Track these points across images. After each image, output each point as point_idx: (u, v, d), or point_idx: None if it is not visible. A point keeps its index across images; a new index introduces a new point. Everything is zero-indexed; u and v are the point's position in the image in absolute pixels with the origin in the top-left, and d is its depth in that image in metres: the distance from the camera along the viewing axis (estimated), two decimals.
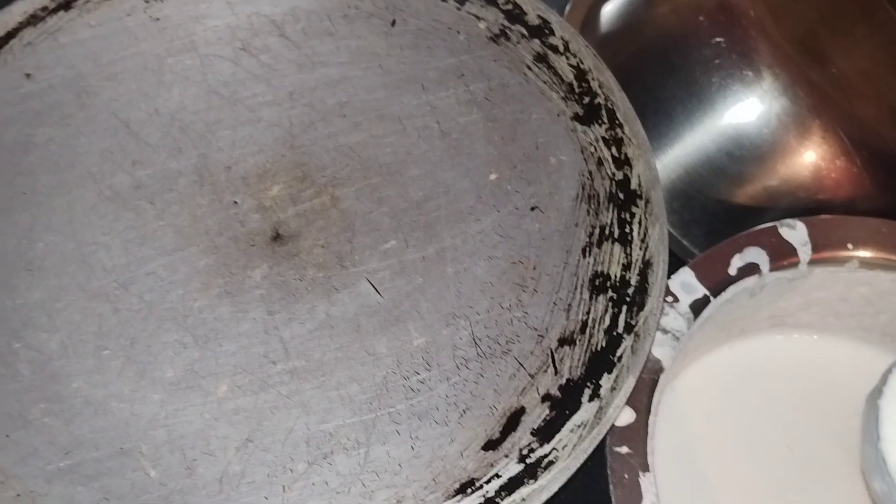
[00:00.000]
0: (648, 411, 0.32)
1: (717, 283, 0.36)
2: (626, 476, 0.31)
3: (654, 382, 0.33)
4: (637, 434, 0.32)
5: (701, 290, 0.35)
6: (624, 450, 0.31)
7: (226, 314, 0.32)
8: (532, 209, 0.34)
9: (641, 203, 0.33)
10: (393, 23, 0.38)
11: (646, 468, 0.31)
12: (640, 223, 0.33)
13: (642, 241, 0.32)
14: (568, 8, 0.45)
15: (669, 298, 0.34)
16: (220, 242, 0.33)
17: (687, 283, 0.35)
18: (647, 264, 0.32)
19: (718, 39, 0.38)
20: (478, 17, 0.38)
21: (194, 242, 0.33)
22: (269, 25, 0.38)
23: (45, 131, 0.35)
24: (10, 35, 0.36)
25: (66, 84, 0.36)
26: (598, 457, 0.30)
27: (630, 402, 0.31)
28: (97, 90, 0.36)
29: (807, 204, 0.39)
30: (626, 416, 0.32)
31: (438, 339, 0.31)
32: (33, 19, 0.37)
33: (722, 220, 0.40)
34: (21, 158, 0.34)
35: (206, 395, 0.30)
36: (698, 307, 0.35)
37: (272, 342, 0.31)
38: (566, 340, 0.31)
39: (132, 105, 0.36)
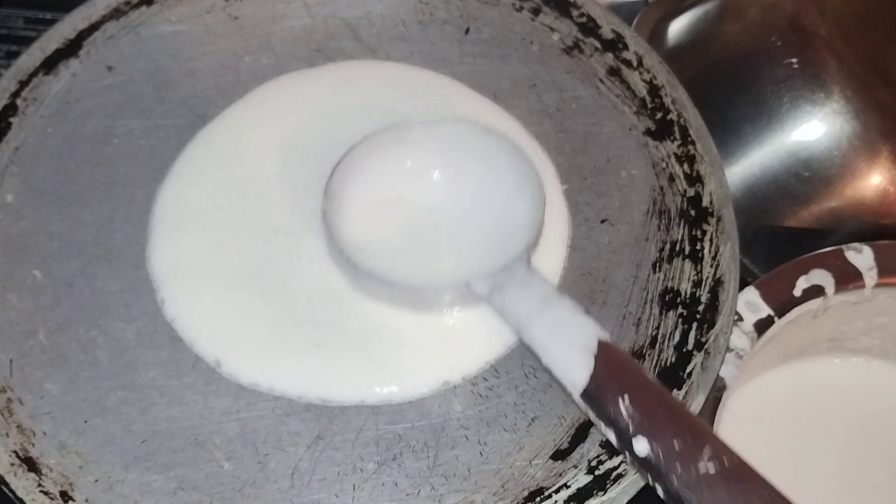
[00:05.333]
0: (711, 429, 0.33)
1: (782, 303, 0.36)
2: None
3: (718, 401, 0.33)
4: None
5: (765, 310, 0.35)
6: None
7: None
8: (602, 221, 0.34)
9: (713, 221, 0.33)
10: (467, 31, 0.38)
11: None
12: (711, 241, 0.33)
13: (713, 258, 0.32)
14: (635, 21, 0.46)
15: (734, 317, 0.34)
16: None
17: (751, 303, 0.35)
18: (717, 282, 0.32)
19: (791, 60, 0.38)
20: (552, 29, 0.38)
21: None
22: (344, 28, 0.38)
23: (124, 123, 0.35)
24: (94, 27, 0.37)
25: (146, 78, 0.36)
26: None
27: None
28: (176, 85, 0.36)
29: (872, 228, 0.39)
30: None
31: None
32: (116, 13, 0.37)
33: (785, 241, 0.40)
34: (101, 149, 0.35)
35: None
36: (762, 327, 0.35)
37: None
38: (635, 355, 0.31)
39: (209, 101, 0.36)
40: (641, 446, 0.25)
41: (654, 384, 0.27)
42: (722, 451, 0.24)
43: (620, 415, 0.26)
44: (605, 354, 0.27)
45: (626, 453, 0.26)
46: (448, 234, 0.33)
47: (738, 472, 0.24)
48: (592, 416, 0.27)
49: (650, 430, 0.25)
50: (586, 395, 0.27)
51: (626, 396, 0.26)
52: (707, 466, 0.24)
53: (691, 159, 0.34)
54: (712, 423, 0.33)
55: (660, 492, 0.25)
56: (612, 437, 0.27)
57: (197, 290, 0.32)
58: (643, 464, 0.25)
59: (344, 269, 0.31)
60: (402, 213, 0.33)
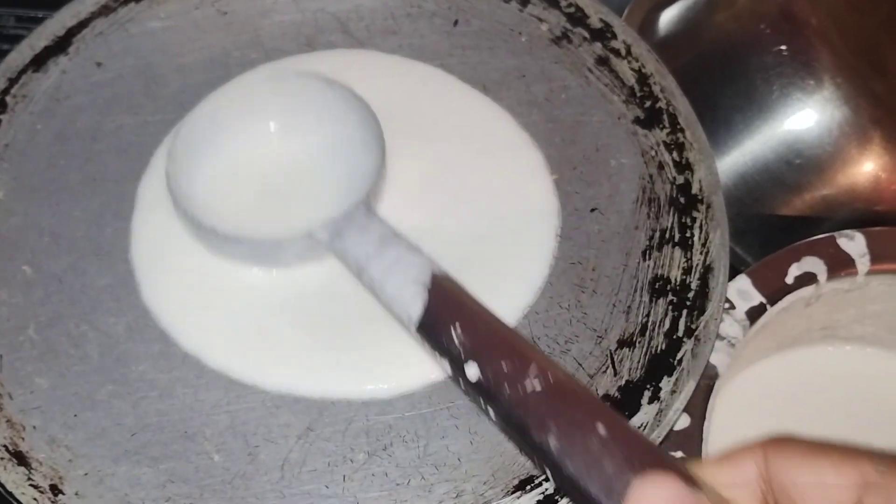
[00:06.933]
0: (703, 417, 0.33)
1: (774, 291, 0.35)
2: (685, 459, 0.31)
3: (710, 388, 0.33)
4: (692, 439, 0.32)
5: (757, 298, 0.35)
6: (679, 455, 0.32)
7: None
8: (592, 210, 0.34)
9: (702, 208, 0.33)
10: (455, 23, 0.38)
11: None
12: (701, 228, 0.33)
13: (703, 245, 0.32)
14: (626, 12, 0.46)
15: (726, 305, 0.34)
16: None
17: (743, 291, 0.35)
18: (707, 269, 0.32)
19: (780, 48, 0.38)
20: (540, 19, 0.38)
21: None
22: (333, 22, 0.38)
23: (114, 119, 0.35)
24: (83, 24, 0.37)
25: (136, 74, 0.36)
26: None
27: (685, 407, 0.31)
28: (165, 81, 0.36)
29: (865, 215, 0.39)
30: (681, 421, 0.32)
31: None
32: (105, 10, 0.37)
33: (777, 230, 0.40)
34: (91, 145, 0.35)
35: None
36: (754, 314, 0.35)
37: None
38: (625, 342, 0.31)
39: (198, 96, 0.36)
40: (472, 371, 0.26)
41: (483, 311, 0.28)
42: (546, 368, 0.24)
43: (453, 342, 0.26)
44: (438, 287, 0.28)
45: (460, 381, 0.26)
46: (294, 188, 0.34)
47: (561, 387, 0.24)
48: (428, 349, 0.28)
49: (479, 355, 0.26)
50: (422, 327, 0.28)
51: (457, 324, 0.27)
52: (533, 384, 0.24)
53: (680, 147, 0.34)
54: (705, 411, 0.32)
55: (491, 414, 0.26)
56: (447, 367, 0.27)
57: (173, 273, 0.32)
58: (475, 388, 0.26)
59: (191, 230, 0.32)
60: (250, 170, 0.34)
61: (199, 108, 0.33)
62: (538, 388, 0.24)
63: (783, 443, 0.22)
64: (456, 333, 0.26)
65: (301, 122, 0.34)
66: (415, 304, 0.28)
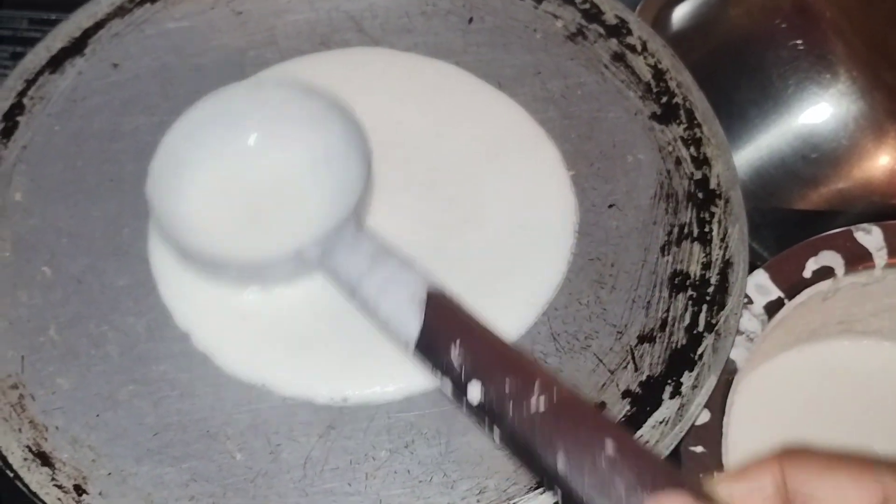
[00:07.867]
0: (723, 411, 0.33)
1: (792, 285, 0.35)
2: (701, 476, 0.31)
3: (729, 383, 0.33)
4: (712, 434, 0.32)
5: (775, 293, 0.35)
6: (699, 449, 0.32)
7: None
8: (610, 206, 0.34)
9: (721, 203, 0.33)
10: (470, 20, 0.38)
11: (721, 468, 0.31)
12: (719, 223, 0.33)
13: (722, 240, 0.32)
14: (639, 7, 0.45)
15: (744, 300, 0.34)
16: None
17: (761, 285, 0.35)
18: (727, 264, 0.32)
19: (796, 42, 0.38)
20: (555, 16, 0.38)
21: None
22: (348, 21, 0.38)
23: (131, 120, 0.35)
24: (99, 26, 0.37)
25: (152, 74, 0.36)
26: (672, 456, 0.30)
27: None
28: (181, 81, 0.36)
29: (881, 209, 0.39)
30: (701, 416, 0.32)
31: None
32: (121, 11, 0.37)
33: (793, 224, 0.40)
34: (108, 146, 0.35)
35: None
36: (772, 309, 0.35)
37: None
38: (646, 338, 0.31)
39: None
40: (475, 391, 0.25)
41: (483, 328, 0.27)
42: (551, 386, 0.24)
43: (452, 362, 0.26)
44: (434, 305, 0.27)
45: (463, 402, 0.26)
46: (280, 203, 0.32)
47: (567, 405, 0.24)
48: (429, 368, 0.27)
49: (481, 374, 0.25)
50: (420, 346, 0.27)
51: (457, 343, 0.26)
52: (538, 403, 0.24)
53: (698, 142, 0.34)
54: (724, 406, 0.32)
55: (496, 436, 0.25)
56: (448, 388, 0.26)
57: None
58: (478, 409, 0.25)
59: (177, 253, 0.31)
60: (233, 187, 0.33)
61: (175, 126, 0.32)
62: (543, 408, 0.24)
63: (800, 455, 0.21)
64: (456, 353, 0.26)
65: (282, 133, 0.33)
66: (411, 324, 0.27)
